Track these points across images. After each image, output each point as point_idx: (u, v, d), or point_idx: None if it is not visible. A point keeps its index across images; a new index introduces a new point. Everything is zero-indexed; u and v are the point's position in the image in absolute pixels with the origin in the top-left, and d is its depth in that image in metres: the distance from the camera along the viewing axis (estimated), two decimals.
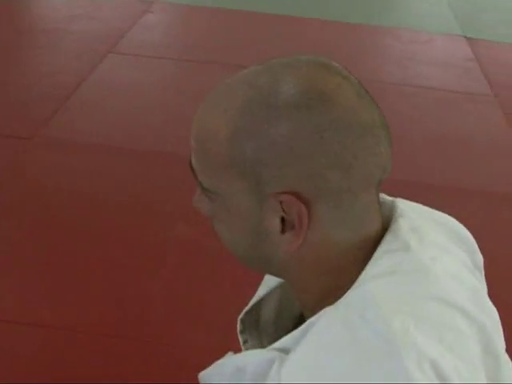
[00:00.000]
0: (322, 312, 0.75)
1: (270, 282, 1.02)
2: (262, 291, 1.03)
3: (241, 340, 1.07)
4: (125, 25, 4.72)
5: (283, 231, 0.77)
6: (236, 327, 1.07)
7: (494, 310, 0.87)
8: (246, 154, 0.74)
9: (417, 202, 0.94)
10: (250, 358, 0.81)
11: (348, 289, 0.76)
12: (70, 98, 3.61)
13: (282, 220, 0.76)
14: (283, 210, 0.75)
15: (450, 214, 0.93)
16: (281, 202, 0.75)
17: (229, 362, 0.85)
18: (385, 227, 0.82)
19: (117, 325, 2.19)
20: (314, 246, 0.78)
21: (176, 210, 2.73)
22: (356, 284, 0.76)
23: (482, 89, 4.31)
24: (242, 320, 1.06)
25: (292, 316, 1.04)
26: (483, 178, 3.33)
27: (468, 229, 0.95)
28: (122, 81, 3.94)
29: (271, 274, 0.92)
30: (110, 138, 3.29)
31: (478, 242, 0.96)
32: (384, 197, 0.88)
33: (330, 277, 0.80)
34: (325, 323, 0.74)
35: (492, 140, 3.71)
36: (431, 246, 0.83)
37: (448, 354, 0.72)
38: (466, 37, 5.21)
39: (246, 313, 1.05)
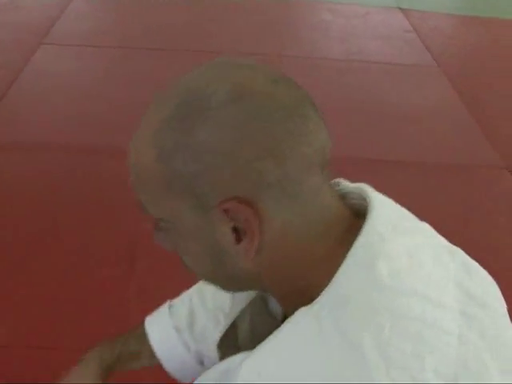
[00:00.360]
0: (297, 311, 0.72)
1: (238, 302, 0.97)
2: (232, 313, 0.97)
3: None
4: (53, 13, 4.49)
5: (238, 241, 0.73)
6: None
7: (489, 284, 0.83)
8: (176, 172, 0.72)
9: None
10: (237, 359, 0.76)
11: (324, 287, 0.72)
12: (6, 95, 3.39)
13: (235, 230, 0.73)
14: (231, 219, 0.72)
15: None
16: (225, 211, 0.72)
17: (213, 370, 0.80)
18: (358, 216, 0.78)
19: (92, 336, 2.05)
20: (273, 246, 0.74)
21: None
22: (331, 283, 0.72)
23: (424, 59, 4.31)
24: (219, 346, 0.99)
25: (269, 330, 0.99)
26: (437, 150, 3.31)
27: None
28: (58, 73, 3.73)
29: (249, 289, 0.87)
30: (54, 134, 3.11)
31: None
32: (347, 183, 0.84)
33: (302, 276, 0.76)
34: (295, 319, 0.72)
35: (442, 110, 3.70)
36: (407, 234, 0.79)
37: (428, 356, 0.69)
38: (400, 8, 5.22)
39: (222, 338, 0.99)
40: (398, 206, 0.84)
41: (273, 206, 0.72)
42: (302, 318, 0.71)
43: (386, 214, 0.78)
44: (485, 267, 0.85)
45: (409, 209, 0.84)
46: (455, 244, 0.87)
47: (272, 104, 0.72)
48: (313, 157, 0.73)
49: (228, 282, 0.82)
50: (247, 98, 0.71)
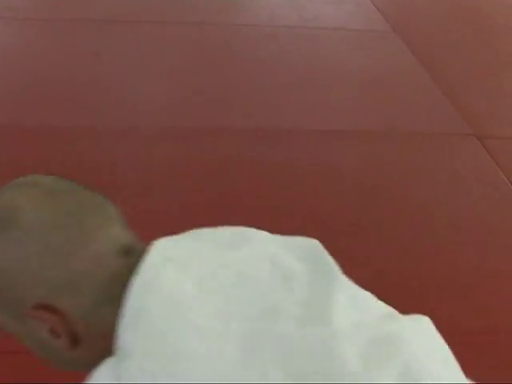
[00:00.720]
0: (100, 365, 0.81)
1: None
2: None
3: None
4: None
5: (56, 337, 0.84)
6: None
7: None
8: None
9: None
10: None
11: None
12: None
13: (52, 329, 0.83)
14: (42, 323, 0.82)
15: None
16: (34, 317, 0.82)
17: None
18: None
19: None
20: (89, 332, 0.83)
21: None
22: (117, 338, 0.80)
23: (379, 24, 4.24)
24: None
25: None
26: (400, 118, 3.27)
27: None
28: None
29: (88, 368, 0.92)
30: None
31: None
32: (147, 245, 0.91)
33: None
34: (96, 371, 0.80)
35: (402, 76, 3.65)
36: (197, 265, 0.84)
37: None
38: None
39: None
40: (190, 242, 0.89)
41: (72, 301, 0.81)
42: (101, 369, 0.79)
43: (161, 257, 0.83)
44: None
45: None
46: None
47: (51, 215, 0.82)
48: (103, 249, 0.83)
49: (69, 366, 0.89)
50: (27, 217, 0.81)
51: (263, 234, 0.94)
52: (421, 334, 0.86)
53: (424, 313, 0.96)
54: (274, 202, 2.59)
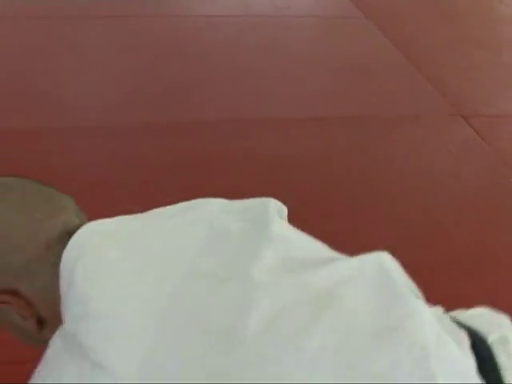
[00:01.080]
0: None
1: None
2: None
3: None
4: None
5: (25, 319, 0.91)
6: None
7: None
8: None
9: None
10: None
11: None
12: None
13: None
14: (10, 306, 0.90)
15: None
16: (1, 302, 0.89)
17: None
18: None
19: None
20: (53, 313, 0.87)
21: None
22: None
23: (350, 11, 4.22)
24: None
25: None
26: (383, 103, 3.26)
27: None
28: None
29: None
30: None
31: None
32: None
33: None
34: (52, 339, 0.85)
35: (379, 61, 3.65)
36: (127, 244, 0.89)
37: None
38: None
39: None
40: (129, 220, 0.95)
41: (31, 285, 0.89)
42: (54, 338, 0.83)
43: (91, 229, 0.90)
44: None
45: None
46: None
47: (7, 207, 0.92)
48: (53, 235, 0.90)
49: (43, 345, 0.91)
50: None
51: (216, 201, 0.98)
52: (361, 278, 0.85)
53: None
54: (259, 194, 2.53)
